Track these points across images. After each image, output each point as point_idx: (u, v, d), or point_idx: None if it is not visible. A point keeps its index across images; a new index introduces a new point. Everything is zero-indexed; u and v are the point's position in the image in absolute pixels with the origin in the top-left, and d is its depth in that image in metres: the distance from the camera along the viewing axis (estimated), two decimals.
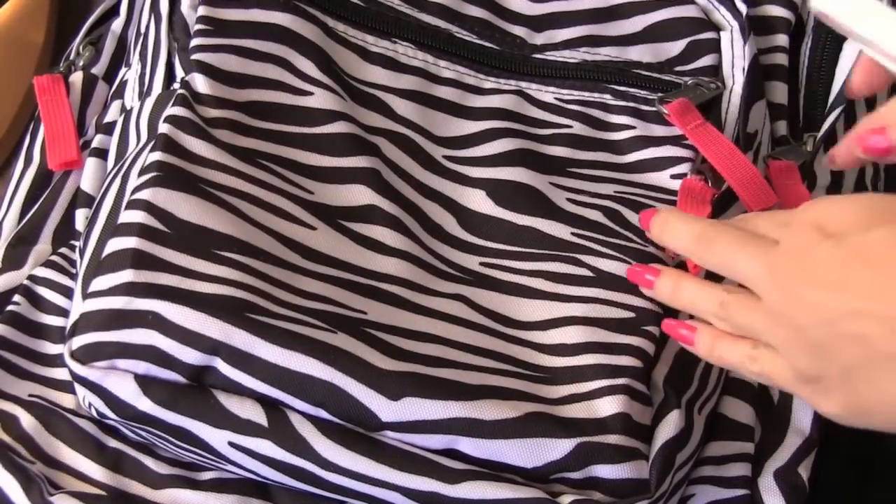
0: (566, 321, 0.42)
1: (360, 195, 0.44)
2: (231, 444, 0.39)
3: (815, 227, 0.34)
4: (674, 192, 0.46)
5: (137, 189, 0.41)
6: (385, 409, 0.38)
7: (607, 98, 0.49)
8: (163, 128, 0.42)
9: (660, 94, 0.48)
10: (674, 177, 0.46)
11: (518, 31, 0.50)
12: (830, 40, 0.50)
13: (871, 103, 0.52)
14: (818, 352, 0.34)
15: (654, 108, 0.48)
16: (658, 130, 0.48)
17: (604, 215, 0.45)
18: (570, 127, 0.48)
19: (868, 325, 0.32)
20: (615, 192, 0.46)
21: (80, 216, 0.48)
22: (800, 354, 0.35)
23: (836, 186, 0.49)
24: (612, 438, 0.39)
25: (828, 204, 0.35)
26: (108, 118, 0.50)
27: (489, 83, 0.49)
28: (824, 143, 0.49)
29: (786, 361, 0.36)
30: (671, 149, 0.47)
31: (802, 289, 0.34)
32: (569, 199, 0.46)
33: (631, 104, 0.48)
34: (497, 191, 0.45)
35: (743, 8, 0.49)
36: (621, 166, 0.47)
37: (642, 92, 0.49)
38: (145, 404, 0.38)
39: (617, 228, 0.45)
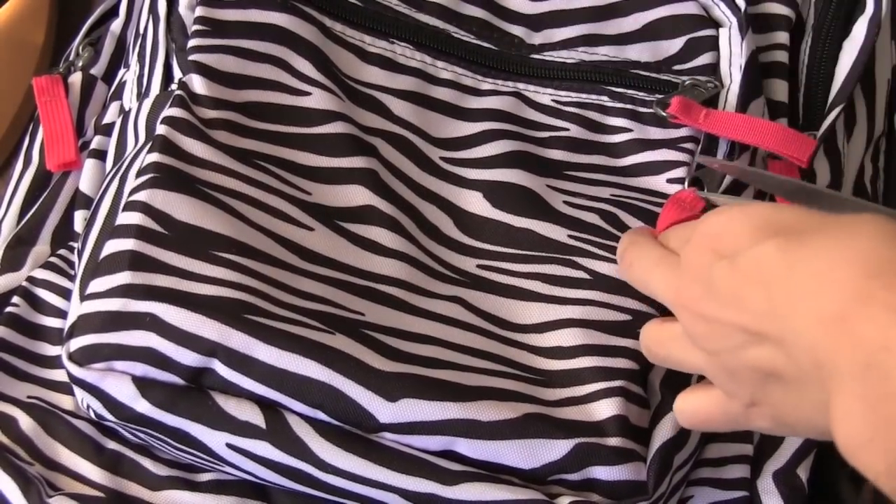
0: (562, 324, 0.42)
1: (357, 196, 0.44)
2: (229, 446, 0.39)
3: (710, 247, 0.33)
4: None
5: (135, 190, 0.41)
6: (383, 410, 0.38)
7: (604, 100, 0.49)
8: (160, 129, 0.42)
9: (658, 96, 0.48)
10: (670, 181, 0.46)
11: (516, 30, 0.50)
12: (831, 38, 0.50)
13: (871, 103, 0.51)
14: (733, 377, 0.33)
15: (651, 111, 0.48)
16: (654, 133, 0.48)
17: (600, 218, 0.45)
18: (567, 130, 0.48)
19: (768, 351, 0.31)
20: (612, 195, 0.46)
21: (79, 217, 0.48)
22: (720, 379, 0.34)
23: (835, 186, 0.49)
24: (610, 440, 0.39)
25: (720, 219, 0.34)
26: (106, 119, 0.50)
27: (487, 84, 0.49)
28: (824, 143, 0.48)
29: (717, 390, 0.35)
30: (667, 152, 0.47)
31: (706, 314, 0.33)
32: (565, 202, 0.46)
33: (628, 106, 0.48)
34: (494, 193, 0.45)
35: (742, 4, 0.49)
36: (618, 170, 0.47)
37: (640, 94, 0.48)
38: (143, 406, 0.38)
39: (614, 231, 0.45)
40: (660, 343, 0.38)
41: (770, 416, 0.33)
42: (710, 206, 0.43)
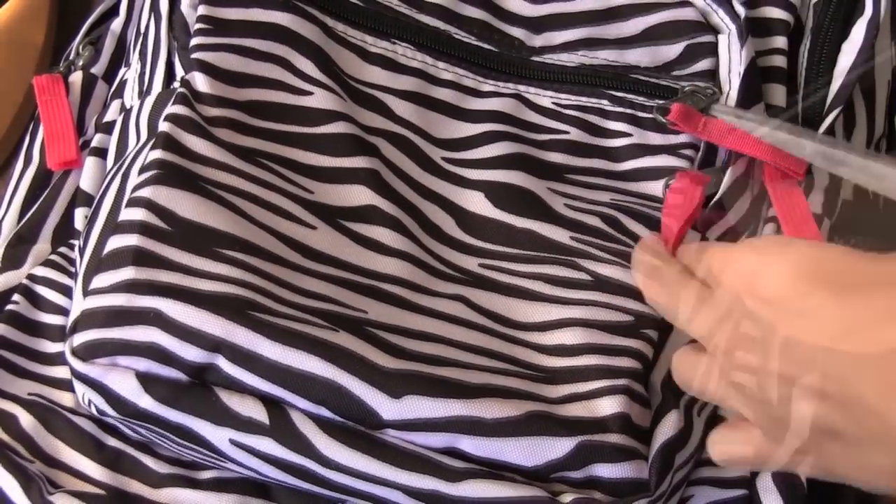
0: (565, 323, 0.42)
1: (359, 195, 0.44)
2: (232, 443, 0.39)
3: (748, 289, 0.32)
4: None
5: (138, 187, 0.41)
6: (386, 407, 0.38)
7: (605, 104, 0.49)
8: (163, 126, 0.42)
9: (658, 102, 0.48)
10: None
11: (517, 32, 0.50)
12: (829, 41, 0.50)
13: (871, 104, 0.52)
14: (782, 426, 0.32)
15: (650, 116, 0.48)
16: (654, 139, 0.48)
17: (602, 221, 0.45)
18: (567, 133, 0.48)
19: (825, 410, 0.30)
20: (611, 199, 0.46)
21: (80, 215, 0.48)
22: (765, 426, 0.33)
23: (833, 189, 0.49)
24: (613, 438, 0.39)
25: (757, 259, 0.33)
26: (107, 117, 0.50)
27: (487, 86, 0.49)
28: None
29: (755, 430, 0.35)
30: (667, 158, 0.47)
31: (750, 364, 0.32)
32: (566, 205, 0.46)
33: (628, 110, 0.48)
34: (495, 193, 0.45)
35: (741, 10, 0.49)
36: (617, 174, 0.47)
37: (640, 98, 0.49)
38: (146, 402, 0.38)
39: (615, 234, 0.45)
40: (694, 375, 0.37)
41: (818, 465, 0.32)
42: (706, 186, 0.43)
